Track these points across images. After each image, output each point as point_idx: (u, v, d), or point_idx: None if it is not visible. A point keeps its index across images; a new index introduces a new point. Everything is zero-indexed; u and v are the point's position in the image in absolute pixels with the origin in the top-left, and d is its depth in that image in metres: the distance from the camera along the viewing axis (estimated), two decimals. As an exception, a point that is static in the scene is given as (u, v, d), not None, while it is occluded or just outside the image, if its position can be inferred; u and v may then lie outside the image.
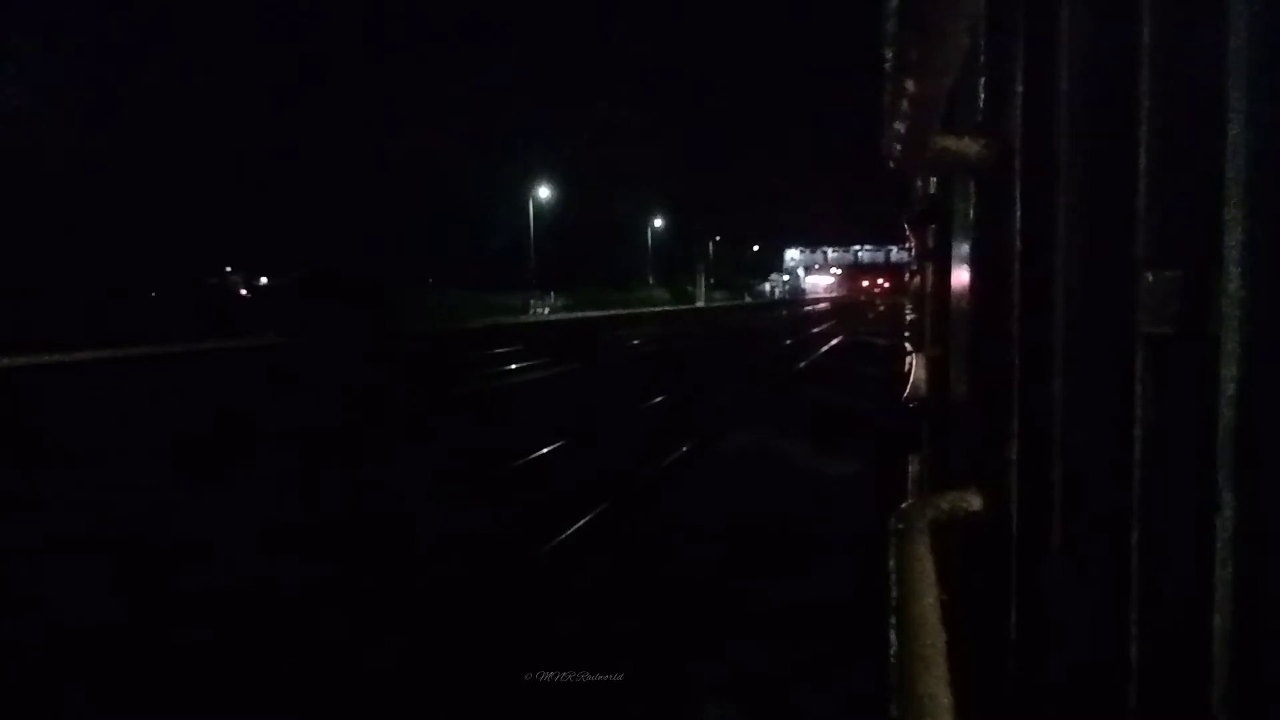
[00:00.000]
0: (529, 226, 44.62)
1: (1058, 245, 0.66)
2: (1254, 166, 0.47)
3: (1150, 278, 0.55)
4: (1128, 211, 0.58)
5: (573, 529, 6.31)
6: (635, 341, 24.62)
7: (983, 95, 0.86)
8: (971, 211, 0.94)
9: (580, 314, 41.29)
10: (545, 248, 45.62)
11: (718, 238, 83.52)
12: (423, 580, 5.67)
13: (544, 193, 46.66)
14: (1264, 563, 0.47)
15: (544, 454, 8.76)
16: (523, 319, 36.50)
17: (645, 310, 48.02)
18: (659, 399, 12.38)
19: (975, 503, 0.80)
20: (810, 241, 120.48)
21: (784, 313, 50.88)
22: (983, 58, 0.85)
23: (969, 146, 0.80)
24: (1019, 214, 0.73)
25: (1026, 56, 0.72)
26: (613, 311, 44.06)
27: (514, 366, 18.34)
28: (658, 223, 69.17)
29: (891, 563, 0.74)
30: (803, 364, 17.44)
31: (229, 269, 40.14)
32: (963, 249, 1.13)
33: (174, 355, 20.04)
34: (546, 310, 42.25)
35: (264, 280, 39.03)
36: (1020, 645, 0.74)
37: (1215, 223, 0.49)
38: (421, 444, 10.34)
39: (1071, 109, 0.65)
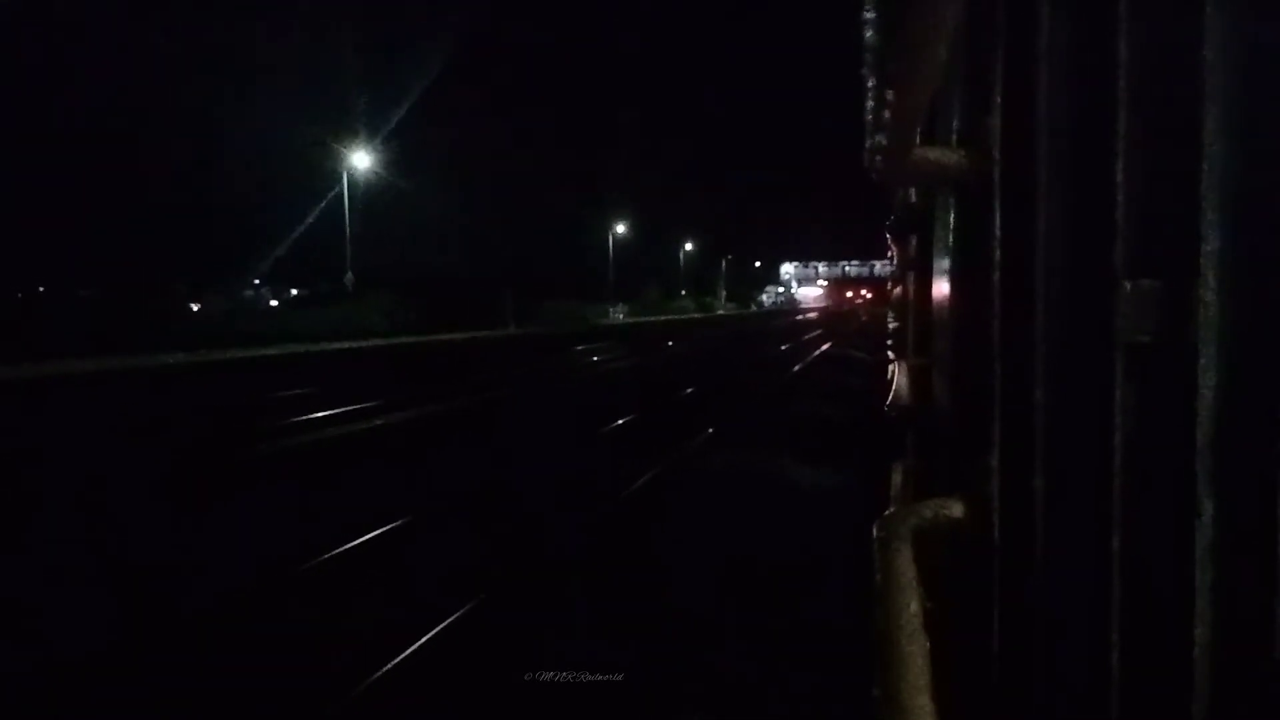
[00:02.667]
0: (608, 250, 61.83)
1: (1037, 255, 0.66)
2: (1231, 177, 0.47)
3: (1129, 287, 0.56)
4: (1107, 221, 0.58)
5: (652, 470, 8.91)
6: (670, 343, 32.96)
7: (962, 106, 0.87)
8: (952, 221, 0.94)
9: (639, 319, 55.71)
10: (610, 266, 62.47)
11: (729, 256, 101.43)
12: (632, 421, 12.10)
13: (620, 228, 64.54)
14: (1243, 567, 0.48)
15: (631, 420, 12.44)
16: (605, 322, 50.64)
17: (681, 317, 62.73)
18: (690, 390, 16.15)
19: (958, 511, 0.81)
20: (804, 257, 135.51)
21: (778, 322, 62.36)
22: (962, 69, 0.86)
23: (949, 157, 0.80)
24: (999, 224, 0.73)
25: (1006, 68, 0.72)
26: (660, 318, 59.12)
27: (607, 358, 25.50)
28: (688, 246, 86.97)
29: (876, 572, 0.74)
30: (797, 367, 21.53)
31: (256, 281, 44.35)
32: (943, 259, 1.13)
33: (488, 338, 30.16)
34: (621, 316, 57.95)
35: (294, 292, 42.49)
36: (1003, 654, 0.74)
37: (1193, 233, 0.49)
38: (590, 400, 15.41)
39: (1051, 120, 0.65)
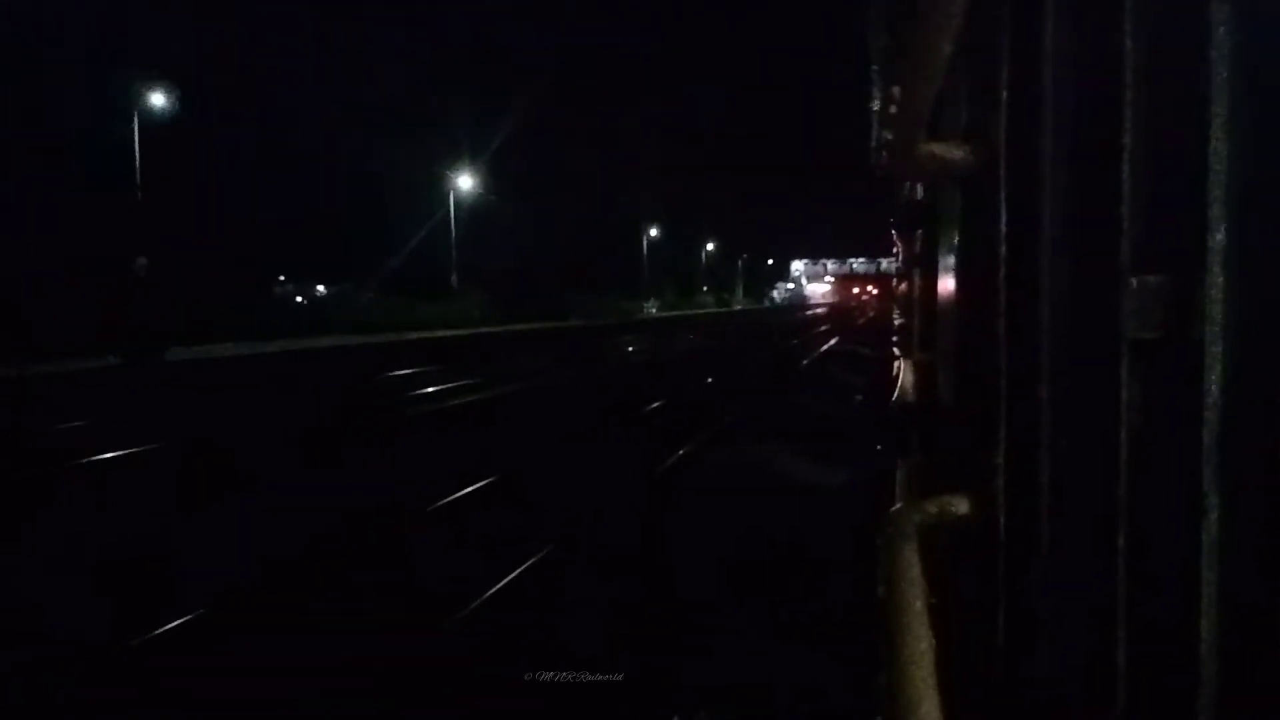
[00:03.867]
0: (642, 250, 71.12)
1: (1043, 250, 0.66)
2: (1237, 172, 0.47)
3: (1135, 283, 0.56)
4: (1112, 217, 0.58)
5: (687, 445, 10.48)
6: (691, 336, 38.09)
7: (967, 102, 0.86)
8: (957, 217, 0.94)
9: (667, 314, 64.67)
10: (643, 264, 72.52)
11: (745, 255, 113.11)
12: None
13: (653, 231, 74.47)
14: (1249, 564, 0.48)
15: (662, 404, 14.43)
16: (640, 316, 58.09)
17: (702, 312, 72.39)
18: (710, 379, 18.34)
19: (963, 507, 0.81)
20: (813, 254, 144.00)
21: (788, 318, 68.52)
22: (967, 65, 0.85)
23: (954, 152, 0.80)
24: (1004, 219, 0.73)
25: (1010, 63, 0.72)
26: (686, 312, 68.64)
27: (641, 348, 30.16)
28: (709, 246, 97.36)
29: (881, 567, 0.74)
30: (805, 362, 23.91)
31: (281, 278, 49.00)
32: (948, 254, 1.13)
33: (558, 329, 37.96)
34: (654, 310, 66.89)
35: (320, 289, 46.57)
36: (1008, 649, 0.74)
37: (1199, 228, 0.49)
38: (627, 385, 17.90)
39: (1056, 115, 0.65)
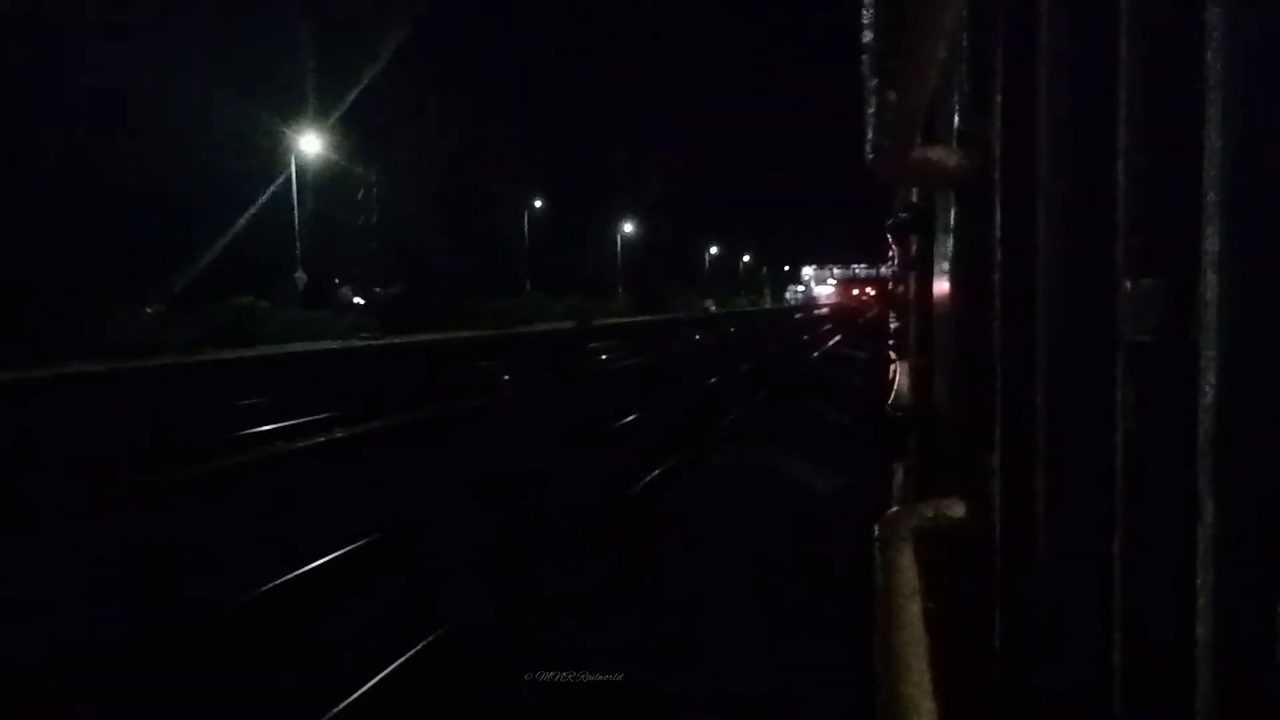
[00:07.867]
0: (704, 263, 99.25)
1: (1038, 254, 0.66)
2: (1232, 175, 0.47)
3: (1130, 286, 0.56)
4: (1107, 220, 0.58)
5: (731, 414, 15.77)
6: (731, 329, 53.10)
7: (963, 106, 0.86)
8: (953, 221, 0.94)
9: (721, 310, 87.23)
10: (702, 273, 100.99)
11: (766, 264, 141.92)
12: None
13: (714, 249, 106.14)
14: (1244, 567, 0.48)
15: (718, 380, 20.91)
16: (703, 314, 77.62)
17: (741, 310, 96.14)
18: (746, 366, 24.76)
19: (959, 511, 0.81)
20: (821, 260, 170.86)
21: (801, 316, 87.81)
22: (963, 68, 0.85)
23: (949, 157, 0.80)
24: (999, 223, 0.73)
25: (1006, 66, 0.72)
26: (732, 310, 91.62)
27: (701, 337, 43.65)
28: (745, 258, 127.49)
29: (876, 571, 0.74)
30: (815, 354, 30.77)
31: (336, 280, 53.61)
32: (944, 258, 1.13)
33: (671, 319, 60.14)
34: (713, 308, 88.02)
35: (377, 289, 50.39)
36: (1004, 654, 0.74)
37: (1195, 231, 0.49)
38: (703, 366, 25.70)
39: (1051, 119, 0.65)
